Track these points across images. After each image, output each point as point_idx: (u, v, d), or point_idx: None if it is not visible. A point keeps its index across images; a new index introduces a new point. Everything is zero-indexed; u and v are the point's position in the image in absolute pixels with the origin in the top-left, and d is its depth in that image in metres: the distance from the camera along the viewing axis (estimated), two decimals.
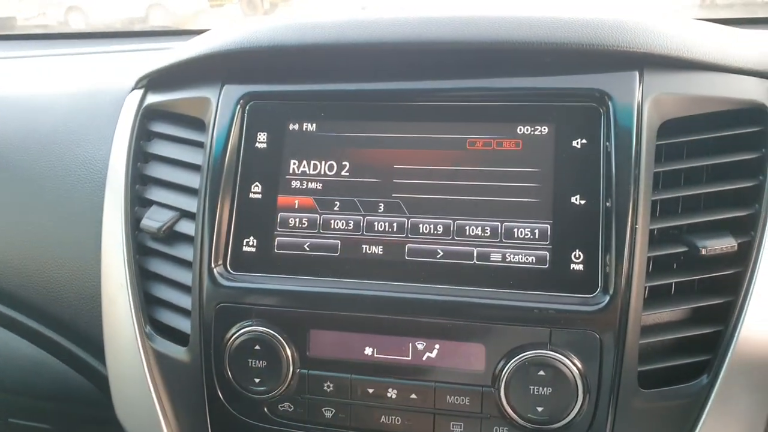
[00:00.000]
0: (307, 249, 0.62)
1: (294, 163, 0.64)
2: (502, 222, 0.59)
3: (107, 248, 0.70)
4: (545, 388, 0.55)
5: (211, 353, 0.63)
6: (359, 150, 0.63)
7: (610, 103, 0.58)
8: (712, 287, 0.58)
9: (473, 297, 0.58)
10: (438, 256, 0.60)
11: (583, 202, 0.58)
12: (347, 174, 0.63)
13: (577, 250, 0.57)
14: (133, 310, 0.67)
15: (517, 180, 0.59)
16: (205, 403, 0.64)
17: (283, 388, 0.60)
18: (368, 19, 0.64)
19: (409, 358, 0.59)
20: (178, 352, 0.65)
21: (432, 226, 0.60)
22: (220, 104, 0.66)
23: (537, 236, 0.58)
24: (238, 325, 0.61)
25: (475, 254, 0.59)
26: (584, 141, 0.59)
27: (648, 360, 0.56)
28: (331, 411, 0.61)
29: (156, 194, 0.70)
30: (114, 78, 0.83)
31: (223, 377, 0.62)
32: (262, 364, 0.60)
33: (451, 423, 0.58)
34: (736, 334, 0.56)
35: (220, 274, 0.62)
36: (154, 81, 0.74)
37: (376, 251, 0.61)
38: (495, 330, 0.57)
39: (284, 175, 0.64)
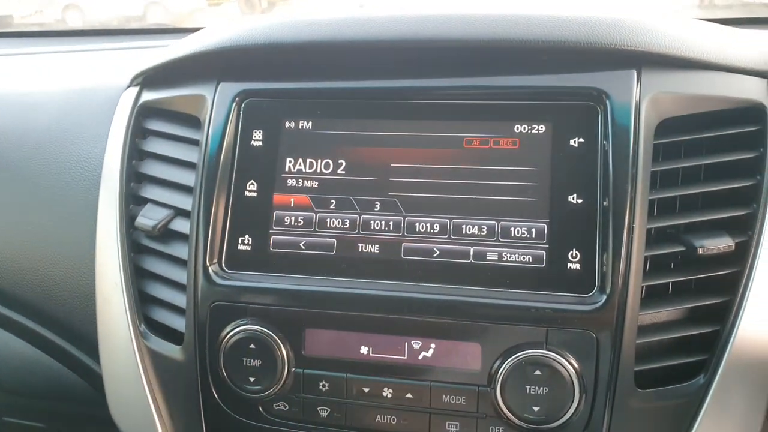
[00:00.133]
0: (303, 248, 0.62)
1: (290, 161, 0.63)
2: (498, 221, 0.59)
3: (102, 246, 0.70)
4: (541, 388, 0.55)
5: (205, 352, 0.62)
6: (355, 148, 0.62)
7: (607, 102, 0.58)
8: (710, 287, 0.58)
9: (469, 296, 0.57)
10: (434, 255, 0.59)
11: (580, 201, 0.57)
12: (343, 172, 0.62)
13: (574, 249, 0.57)
14: (127, 309, 0.67)
15: (514, 179, 0.59)
16: (199, 402, 0.64)
17: (278, 387, 0.60)
18: (365, 17, 0.64)
19: (405, 358, 0.58)
20: (172, 350, 0.65)
21: (428, 224, 0.60)
22: (216, 102, 0.65)
23: (534, 235, 0.58)
24: (233, 323, 0.61)
25: (471, 253, 0.59)
26: (581, 140, 0.58)
27: (645, 359, 0.56)
28: (327, 410, 0.60)
29: (151, 192, 0.70)
30: (109, 75, 0.83)
31: (217, 376, 0.62)
32: (257, 363, 0.60)
33: (447, 423, 0.58)
34: (733, 334, 0.56)
35: (215, 273, 0.62)
36: (149, 78, 0.73)
37: (372, 250, 0.60)
38: (491, 329, 0.57)
39: (280, 173, 0.63)
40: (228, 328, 0.61)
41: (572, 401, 0.55)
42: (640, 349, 0.56)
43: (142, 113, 0.72)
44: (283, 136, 0.64)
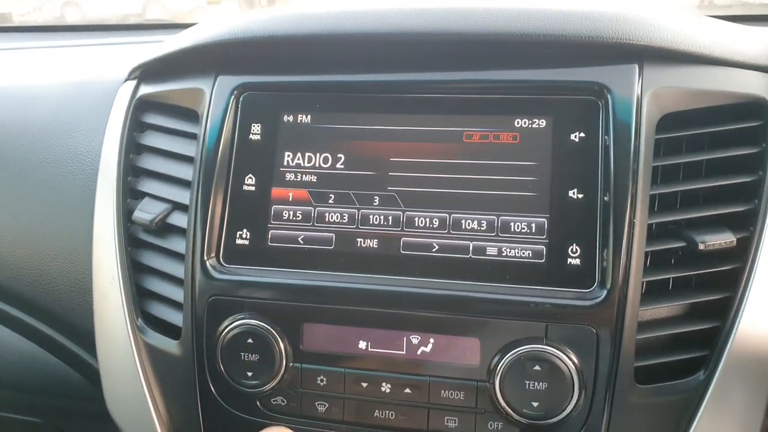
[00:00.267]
0: (301, 242, 0.61)
1: (288, 155, 0.63)
2: (498, 216, 0.58)
3: (99, 240, 0.69)
4: (541, 383, 0.55)
5: (203, 346, 0.62)
6: (354, 142, 0.62)
7: (609, 97, 0.57)
8: (710, 283, 0.57)
9: (469, 291, 0.57)
10: (433, 250, 0.59)
11: (580, 196, 0.57)
12: (342, 166, 0.62)
13: (575, 245, 0.56)
14: (124, 303, 0.66)
15: (514, 173, 0.59)
16: (197, 397, 0.63)
17: (276, 381, 0.60)
18: (364, 10, 0.63)
19: (404, 352, 0.58)
20: (170, 345, 0.65)
21: (428, 219, 0.59)
22: (214, 95, 0.65)
23: (534, 230, 0.58)
24: (230, 318, 0.61)
25: (471, 248, 0.58)
26: (582, 134, 0.58)
27: (645, 355, 0.56)
28: (325, 405, 0.60)
29: (148, 186, 0.70)
30: (107, 69, 0.82)
31: (215, 371, 0.62)
32: (254, 357, 0.60)
33: (446, 417, 0.58)
34: (734, 331, 0.55)
35: (213, 267, 0.62)
36: (147, 72, 0.73)
37: (371, 245, 0.60)
38: (490, 324, 0.56)
39: (278, 168, 0.63)
40: (226, 323, 0.61)
41: (572, 397, 0.55)
42: (640, 345, 0.56)
43: (140, 107, 0.72)
44: (281, 130, 0.64)
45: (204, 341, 0.62)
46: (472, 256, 0.58)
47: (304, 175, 0.62)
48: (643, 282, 0.56)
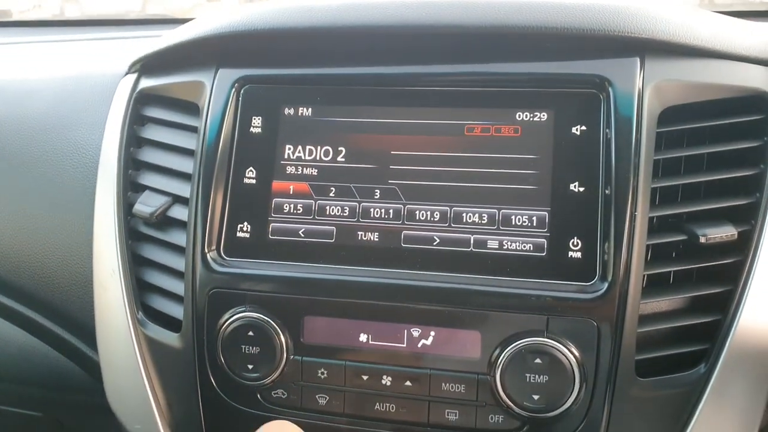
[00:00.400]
0: (302, 235, 0.61)
1: (289, 148, 0.63)
2: (499, 209, 0.58)
3: (99, 233, 0.69)
4: (542, 376, 0.55)
5: (204, 339, 0.62)
6: (355, 135, 0.62)
7: (610, 90, 0.57)
8: (711, 276, 0.57)
9: (470, 284, 0.57)
10: (434, 243, 0.59)
11: (581, 189, 0.57)
12: (343, 160, 0.62)
13: (576, 238, 0.56)
14: (125, 296, 0.66)
15: (515, 167, 0.59)
16: (197, 390, 0.63)
17: (277, 374, 0.60)
18: (366, 2, 0.63)
19: (404, 345, 0.58)
20: (170, 338, 0.65)
21: (429, 212, 0.59)
22: (215, 88, 0.65)
23: (535, 223, 0.57)
24: (231, 311, 0.61)
25: (472, 241, 0.58)
26: (584, 128, 0.58)
27: (646, 348, 0.56)
28: (325, 398, 0.60)
29: (149, 179, 0.69)
30: (107, 63, 0.82)
31: (215, 364, 0.62)
32: (255, 350, 0.60)
33: (446, 410, 0.58)
34: (735, 324, 0.55)
35: (214, 260, 0.62)
36: (147, 65, 0.73)
37: (372, 238, 0.60)
38: (491, 317, 0.56)
39: (279, 161, 0.63)
40: (226, 316, 0.61)
41: (572, 390, 0.55)
42: (641, 338, 0.56)
43: (140, 100, 0.72)
44: (282, 123, 0.63)
45: (204, 334, 0.62)
46: (473, 250, 0.58)
47: (304, 168, 0.62)
48: (644, 275, 0.56)
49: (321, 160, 0.62)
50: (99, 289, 0.69)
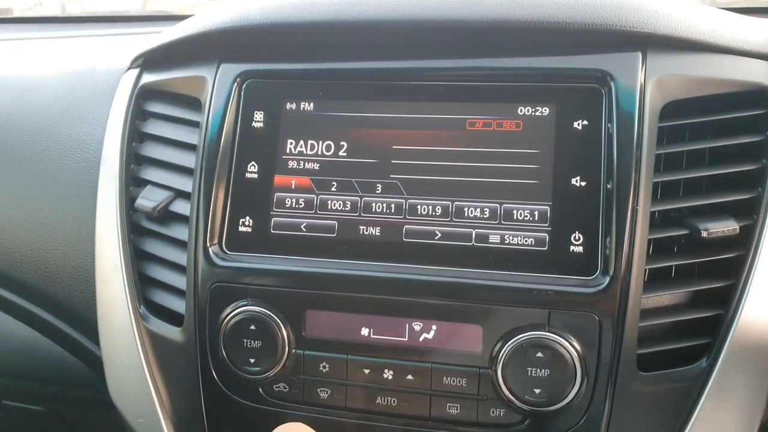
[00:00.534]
0: (304, 230, 0.61)
1: (291, 143, 0.63)
2: (501, 203, 0.58)
3: (101, 228, 0.69)
4: (543, 370, 0.55)
5: (205, 333, 0.62)
6: (357, 130, 0.62)
7: (612, 84, 0.57)
8: (713, 271, 0.57)
9: (471, 278, 0.57)
10: (436, 238, 0.59)
11: (583, 183, 0.57)
12: (345, 154, 0.62)
13: (577, 232, 0.56)
14: (127, 291, 0.66)
15: (517, 161, 0.59)
16: (199, 384, 0.63)
17: (279, 368, 0.60)
18: None
19: (406, 339, 0.58)
20: (172, 332, 0.65)
21: (430, 207, 0.59)
22: (217, 83, 0.65)
23: (536, 218, 0.57)
24: (233, 305, 0.61)
25: (473, 236, 0.58)
26: (585, 122, 0.58)
27: (647, 343, 0.56)
28: (327, 392, 0.60)
29: (151, 174, 0.70)
30: (109, 58, 0.82)
31: (217, 357, 0.62)
32: (257, 344, 0.60)
33: (448, 404, 0.58)
34: (737, 318, 0.55)
35: (216, 254, 0.62)
36: (149, 60, 0.73)
37: (374, 232, 0.60)
38: (493, 311, 0.56)
39: (281, 155, 0.63)
40: (228, 310, 0.61)
41: (574, 384, 0.55)
42: (642, 332, 0.56)
43: (143, 95, 0.72)
44: (284, 118, 0.63)
45: (207, 328, 0.62)
46: (475, 244, 0.58)
47: (306, 163, 0.62)
48: (645, 269, 0.56)
49: (323, 155, 0.62)
50: (101, 283, 0.69)
